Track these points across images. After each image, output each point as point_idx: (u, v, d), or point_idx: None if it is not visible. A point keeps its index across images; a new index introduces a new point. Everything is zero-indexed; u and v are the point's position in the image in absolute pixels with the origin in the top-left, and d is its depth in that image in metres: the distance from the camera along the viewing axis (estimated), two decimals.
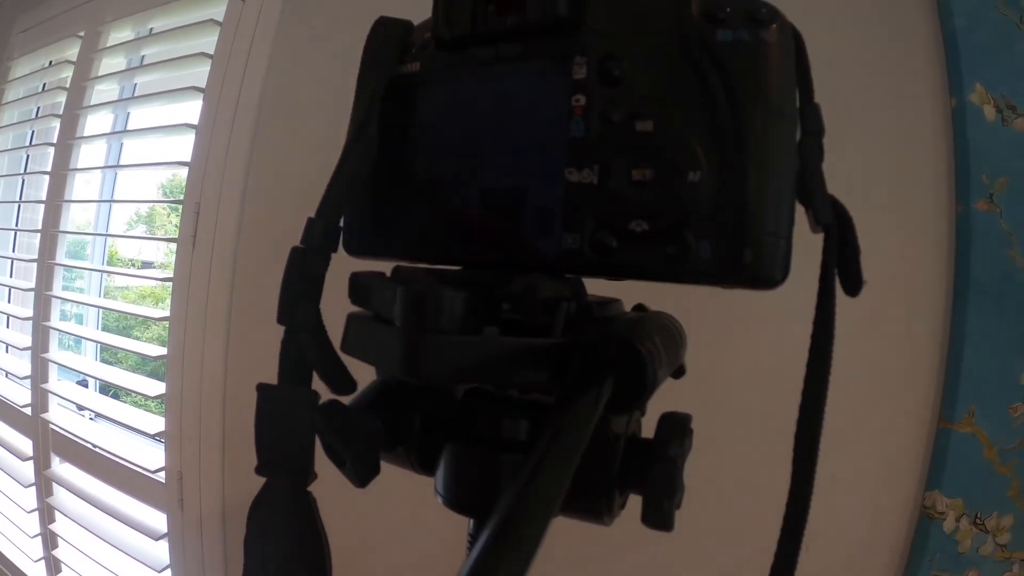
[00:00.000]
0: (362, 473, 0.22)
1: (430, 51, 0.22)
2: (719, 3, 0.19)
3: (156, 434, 1.14)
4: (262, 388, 0.21)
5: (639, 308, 0.22)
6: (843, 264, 0.20)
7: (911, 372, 0.77)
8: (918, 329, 0.77)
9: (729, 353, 0.71)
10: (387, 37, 0.23)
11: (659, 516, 0.19)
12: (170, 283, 1.13)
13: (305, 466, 0.21)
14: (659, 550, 0.75)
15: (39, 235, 1.40)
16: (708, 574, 0.78)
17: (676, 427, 0.20)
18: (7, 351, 1.58)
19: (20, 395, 1.44)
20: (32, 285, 1.39)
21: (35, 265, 1.39)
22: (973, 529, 0.80)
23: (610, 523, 0.20)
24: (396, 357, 0.19)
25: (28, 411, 1.40)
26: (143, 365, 1.90)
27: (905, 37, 0.79)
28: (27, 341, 1.40)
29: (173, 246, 1.12)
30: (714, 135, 0.18)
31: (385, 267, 0.23)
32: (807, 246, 0.20)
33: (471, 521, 0.23)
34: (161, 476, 1.15)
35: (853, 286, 0.20)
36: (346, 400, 0.23)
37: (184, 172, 1.12)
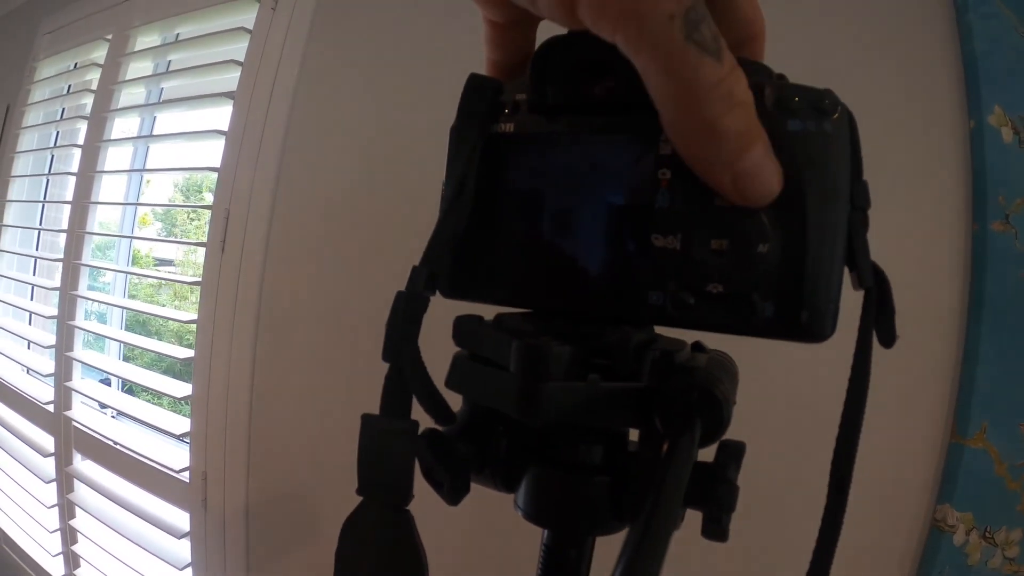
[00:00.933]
0: (457, 494, 0.24)
1: (523, 113, 0.25)
2: (790, 93, 0.21)
3: (181, 435, 1.16)
4: (366, 418, 0.23)
5: (697, 346, 0.25)
6: (880, 321, 0.23)
7: (925, 388, 0.79)
8: (933, 346, 0.78)
9: (764, 381, 0.73)
10: (482, 93, 0.25)
11: (718, 530, 0.21)
12: (196, 284, 1.15)
13: (406, 488, 0.23)
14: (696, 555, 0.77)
15: (64, 235, 1.42)
16: None
17: (733, 452, 0.23)
18: (29, 348, 1.61)
19: (43, 392, 1.46)
20: (57, 284, 1.42)
21: (60, 264, 1.42)
22: (982, 543, 0.81)
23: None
24: (512, 399, 0.22)
25: (51, 408, 1.42)
26: (159, 362, 1.92)
27: (925, 59, 0.80)
28: (51, 339, 1.43)
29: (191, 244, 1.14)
30: (781, 212, 0.21)
31: (475, 308, 0.25)
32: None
33: (544, 532, 0.26)
34: (185, 476, 1.17)
35: (888, 340, 0.23)
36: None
37: (198, 172, 1.14)
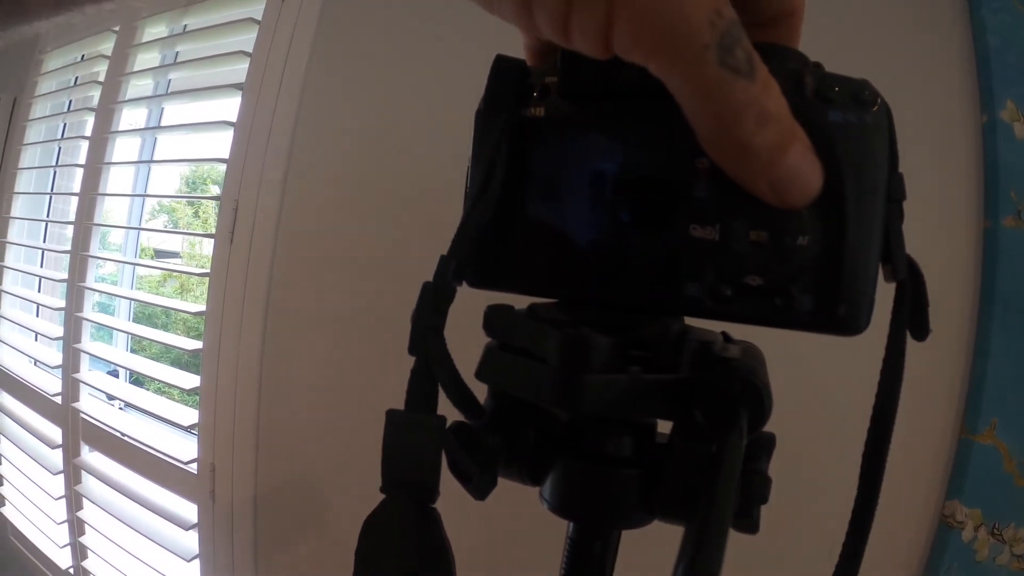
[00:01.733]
0: (485, 487, 0.24)
1: (553, 97, 0.24)
2: (829, 83, 0.21)
3: (190, 426, 1.16)
4: (392, 414, 0.23)
5: (726, 337, 0.24)
6: (914, 314, 0.23)
7: (936, 384, 0.79)
8: (943, 342, 0.78)
9: (789, 373, 0.73)
10: (509, 77, 0.25)
11: (749, 522, 0.21)
12: (204, 276, 1.15)
13: (433, 484, 0.23)
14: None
15: (71, 226, 1.42)
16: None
17: (765, 444, 0.22)
18: (37, 339, 1.61)
19: (51, 384, 1.47)
20: (65, 276, 1.42)
21: (67, 256, 1.42)
22: (991, 539, 0.81)
23: None
24: (551, 391, 0.21)
25: (59, 400, 1.43)
26: (166, 353, 1.92)
27: (938, 53, 0.80)
28: (58, 331, 1.43)
29: (197, 237, 1.14)
30: (820, 204, 0.21)
31: (504, 298, 0.25)
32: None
33: (570, 525, 0.26)
34: (193, 467, 1.17)
35: (922, 333, 0.23)
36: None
37: (204, 165, 1.14)
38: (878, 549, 0.82)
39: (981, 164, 0.80)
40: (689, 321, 0.24)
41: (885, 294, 0.23)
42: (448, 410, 0.24)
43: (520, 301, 0.25)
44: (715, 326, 0.23)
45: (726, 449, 0.19)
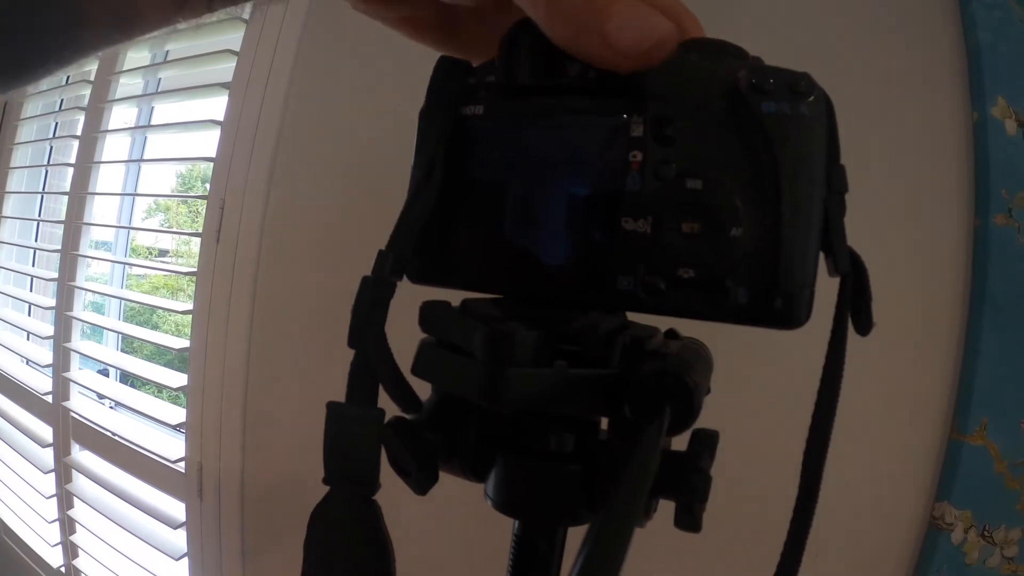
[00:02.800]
0: (425, 483, 0.24)
1: (492, 95, 0.24)
2: (764, 75, 0.21)
3: (177, 425, 1.16)
4: (332, 406, 0.23)
5: (671, 333, 0.24)
6: (857, 308, 0.22)
7: (925, 384, 0.78)
8: (933, 341, 0.78)
9: (740, 369, 0.72)
10: (450, 76, 0.25)
11: (691, 520, 0.21)
12: (185, 275, 1.15)
13: (372, 477, 0.23)
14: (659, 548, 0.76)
15: (62, 225, 1.42)
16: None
17: (707, 441, 0.22)
18: (28, 339, 1.61)
19: (41, 383, 1.47)
20: (55, 275, 1.42)
21: (58, 255, 1.42)
22: (981, 541, 0.81)
23: (644, 525, 0.23)
24: (477, 386, 0.21)
25: (49, 399, 1.43)
26: (160, 355, 1.93)
27: (928, 49, 0.79)
28: (49, 330, 1.43)
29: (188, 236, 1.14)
30: (754, 195, 0.20)
31: (443, 294, 0.25)
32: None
33: (515, 522, 0.25)
34: (181, 466, 1.17)
35: (865, 327, 0.22)
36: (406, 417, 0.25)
37: (201, 163, 1.14)
38: (867, 551, 0.82)
39: (972, 161, 0.79)
40: (633, 318, 0.24)
41: (832, 289, 0.22)
42: (390, 405, 0.24)
43: (459, 299, 0.25)
44: (655, 321, 0.23)
45: (640, 443, 0.19)
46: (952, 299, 0.78)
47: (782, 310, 0.20)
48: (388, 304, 0.23)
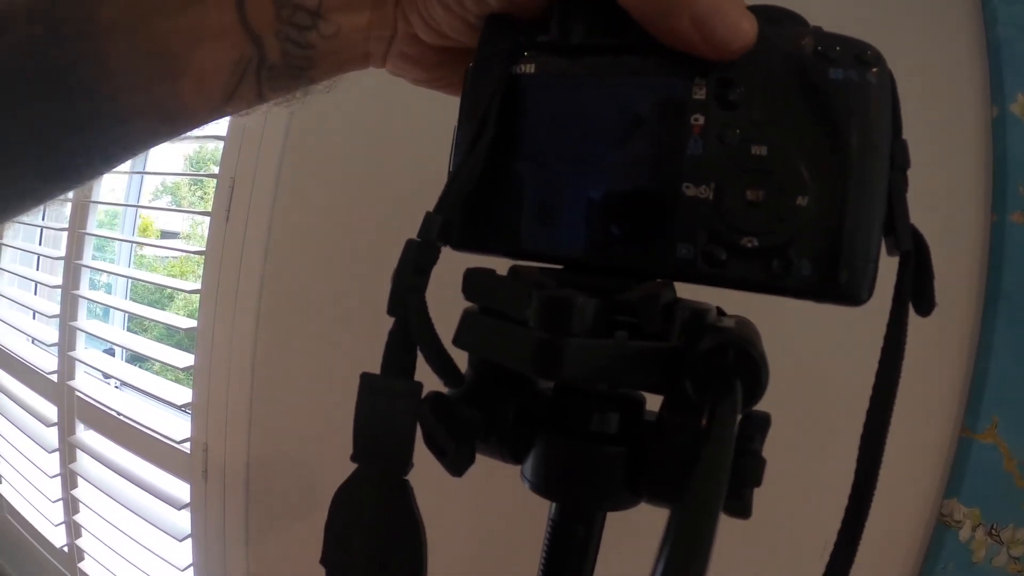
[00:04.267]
0: (461, 463, 0.23)
1: (545, 54, 0.23)
2: (830, 42, 0.20)
3: (183, 405, 1.16)
4: (366, 377, 0.22)
5: (720, 312, 0.23)
6: (918, 287, 0.21)
7: (936, 380, 0.78)
8: (945, 337, 0.77)
9: (789, 351, 0.72)
10: (501, 33, 0.24)
11: (740, 505, 0.20)
12: (196, 255, 1.14)
13: (405, 455, 0.22)
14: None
15: (69, 204, 1.42)
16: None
17: (759, 423, 0.21)
18: (35, 318, 1.61)
19: (47, 362, 1.47)
20: (62, 254, 1.42)
21: (65, 234, 1.42)
22: (988, 540, 0.80)
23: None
24: (530, 356, 0.20)
25: (54, 378, 1.43)
26: (169, 336, 1.93)
27: (948, 44, 0.78)
28: (55, 309, 1.43)
29: (200, 217, 1.13)
30: (820, 164, 0.20)
31: (488, 262, 0.24)
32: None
33: (552, 506, 0.24)
34: (186, 447, 1.17)
35: (927, 308, 0.22)
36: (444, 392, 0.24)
37: (210, 143, 1.13)
38: (873, 546, 0.81)
39: (990, 158, 0.78)
40: (681, 293, 0.23)
41: (890, 271, 0.22)
42: (427, 380, 0.23)
43: (504, 268, 0.24)
44: (707, 294, 0.22)
45: (717, 422, 0.18)
46: (966, 296, 0.78)
47: (846, 284, 0.20)
48: (430, 271, 0.22)
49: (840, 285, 0.20)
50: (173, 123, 0.26)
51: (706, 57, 0.20)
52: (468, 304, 0.23)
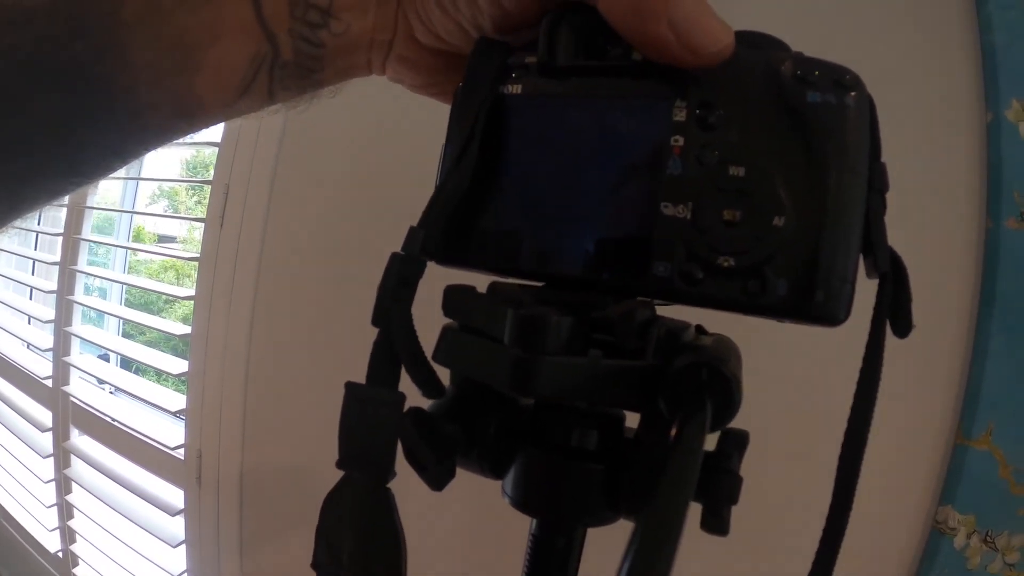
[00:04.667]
0: (442, 478, 0.23)
1: (532, 75, 0.24)
2: (809, 67, 0.21)
3: (177, 411, 1.16)
4: (351, 386, 0.22)
5: (700, 330, 0.23)
6: (896, 309, 0.22)
7: (931, 386, 0.78)
8: (940, 344, 0.77)
9: (766, 372, 0.71)
10: (489, 54, 0.24)
11: (718, 523, 0.20)
12: (188, 260, 1.14)
13: (387, 464, 0.22)
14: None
15: (65, 209, 1.42)
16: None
17: (736, 441, 0.21)
18: (29, 322, 1.61)
19: (41, 367, 1.47)
20: (57, 259, 1.42)
21: (60, 239, 1.41)
22: (983, 547, 0.80)
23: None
24: (505, 374, 0.20)
25: (49, 383, 1.42)
26: (164, 341, 1.93)
27: (943, 50, 0.78)
28: (50, 314, 1.43)
29: (197, 222, 1.13)
30: (797, 185, 0.20)
31: (469, 278, 0.24)
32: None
33: (533, 521, 0.25)
34: (180, 453, 1.17)
35: (904, 329, 0.22)
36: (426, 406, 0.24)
37: (207, 148, 1.14)
38: (868, 554, 0.81)
39: (985, 164, 0.78)
40: (665, 313, 0.23)
41: (869, 292, 0.22)
42: (412, 391, 0.23)
43: (486, 285, 0.24)
44: (686, 313, 0.23)
45: (682, 439, 0.18)
46: (961, 302, 0.78)
47: (822, 304, 0.20)
48: (416, 284, 0.22)
49: (816, 305, 0.20)
50: (188, 118, 0.26)
51: (684, 63, 0.20)
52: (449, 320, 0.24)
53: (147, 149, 0.27)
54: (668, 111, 0.21)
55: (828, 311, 0.20)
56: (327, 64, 0.27)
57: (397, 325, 0.22)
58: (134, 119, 0.25)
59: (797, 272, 0.20)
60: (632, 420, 0.24)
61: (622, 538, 0.25)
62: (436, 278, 0.25)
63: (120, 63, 0.23)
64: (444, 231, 0.24)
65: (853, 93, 0.20)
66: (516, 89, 0.24)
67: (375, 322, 0.22)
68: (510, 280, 0.24)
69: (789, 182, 0.20)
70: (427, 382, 0.23)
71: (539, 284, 0.24)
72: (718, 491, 0.20)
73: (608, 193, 0.22)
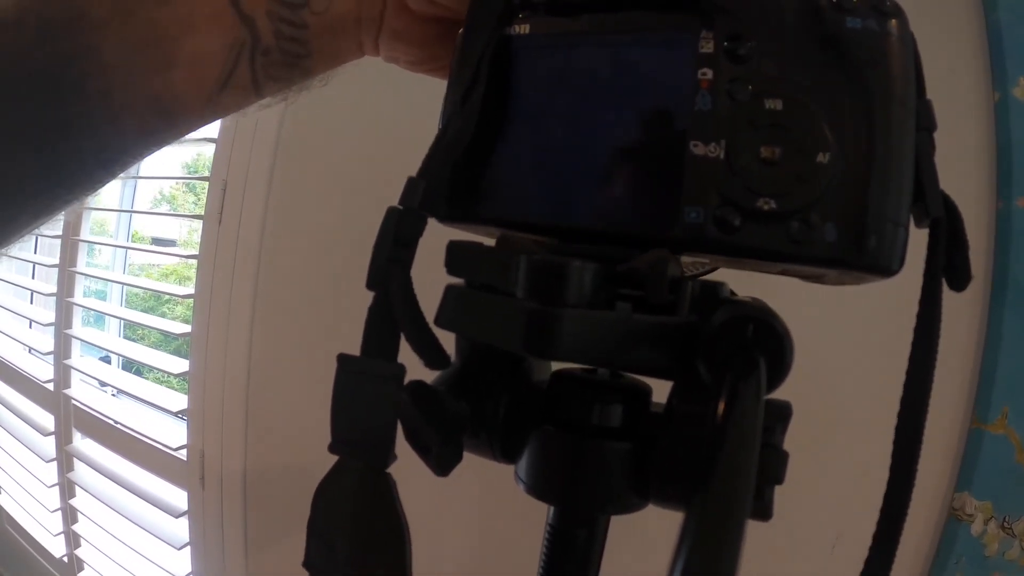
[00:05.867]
0: (447, 461, 0.21)
1: (540, 13, 0.22)
2: None
3: (179, 412, 1.15)
4: (344, 359, 0.20)
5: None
6: (952, 258, 0.20)
7: (945, 371, 0.75)
8: (953, 327, 0.75)
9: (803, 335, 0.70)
10: None
11: (761, 506, 0.18)
12: (193, 261, 1.13)
13: (386, 446, 0.20)
14: None
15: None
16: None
17: (779, 413, 0.19)
18: (31, 326, 1.60)
19: (43, 370, 1.46)
20: (56, 261, 1.41)
21: (59, 241, 1.41)
22: (1001, 533, 0.79)
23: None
24: (519, 331, 0.18)
25: (50, 386, 1.41)
26: (166, 343, 1.92)
27: (949, 29, 0.77)
28: (50, 317, 1.42)
29: (196, 225, 1.12)
30: (841, 118, 0.18)
31: (476, 238, 0.22)
32: None
33: (550, 509, 0.23)
34: (183, 454, 1.16)
35: (962, 281, 0.20)
36: (429, 380, 0.22)
37: (208, 150, 1.13)
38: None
39: (994, 143, 0.77)
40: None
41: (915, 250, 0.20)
42: (412, 365, 0.21)
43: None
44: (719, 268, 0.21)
45: (740, 405, 0.15)
46: (973, 283, 0.76)
47: (875, 251, 0.18)
48: (416, 242, 0.20)
49: (869, 252, 0.18)
50: (168, 118, 0.25)
51: None
52: (453, 280, 0.22)
53: (131, 157, 0.26)
54: (694, 43, 0.19)
55: (882, 259, 0.18)
56: (314, 48, 0.26)
57: (396, 288, 0.20)
58: (111, 123, 0.24)
59: (846, 214, 0.18)
60: (659, 393, 0.22)
61: (650, 527, 0.23)
62: (436, 245, 0.22)
63: (92, 66, 0.23)
64: (448, 183, 0.22)
65: (895, 20, 0.18)
66: (523, 29, 0.22)
67: (370, 285, 0.20)
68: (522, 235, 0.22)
69: (832, 116, 0.18)
70: (429, 350, 0.20)
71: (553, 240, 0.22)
72: (762, 469, 0.17)
73: (629, 134, 0.20)
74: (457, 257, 0.21)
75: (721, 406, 0.16)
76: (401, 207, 0.20)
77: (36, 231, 0.27)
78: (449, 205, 0.23)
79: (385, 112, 0.98)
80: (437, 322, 0.21)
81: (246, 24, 0.24)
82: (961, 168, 0.76)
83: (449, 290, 0.21)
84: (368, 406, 0.20)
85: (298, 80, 0.27)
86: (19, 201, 0.24)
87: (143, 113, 0.24)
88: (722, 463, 0.14)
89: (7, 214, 0.25)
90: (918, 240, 0.20)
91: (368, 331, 0.21)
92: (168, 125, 0.25)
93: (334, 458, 0.21)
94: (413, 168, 0.21)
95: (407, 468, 0.22)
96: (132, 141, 0.25)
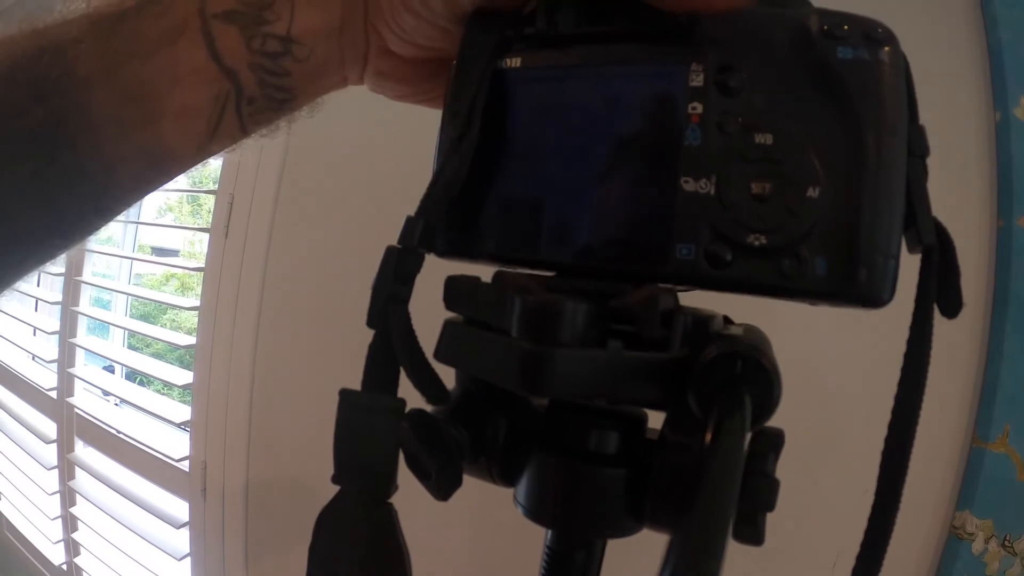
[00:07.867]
0: (447, 486, 0.21)
1: (532, 46, 0.22)
2: (837, 20, 0.19)
3: (181, 423, 1.15)
4: (345, 394, 0.21)
5: (725, 319, 0.22)
6: (944, 286, 0.20)
7: (946, 389, 0.76)
8: (954, 345, 0.76)
9: (790, 362, 0.70)
10: (485, 27, 0.23)
11: (752, 531, 0.18)
12: (192, 271, 1.14)
13: (387, 477, 0.21)
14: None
15: None
16: None
17: (771, 441, 0.19)
18: (35, 334, 1.61)
19: (46, 378, 1.46)
20: (62, 270, 1.41)
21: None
22: (1002, 551, 0.78)
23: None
24: (514, 371, 0.18)
25: (54, 395, 1.42)
26: (169, 352, 1.92)
27: (950, 48, 0.78)
28: (55, 325, 1.42)
29: (198, 236, 1.13)
30: (831, 151, 0.18)
31: (474, 270, 0.23)
32: None
33: (548, 532, 0.23)
34: (185, 465, 1.16)
35: (954, 308, 0.20)
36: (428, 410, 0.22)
37: (214, 163, 1.13)
38: (885, 559, 0.80)
39: (994, 162, 0.77)
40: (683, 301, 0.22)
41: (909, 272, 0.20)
42: (411, 396, 0.22)
43: (491, 277, 0.23)
44: (712, 301, 0.21)
45: (724, 436, 0.16)
46: (974, 302, 0.77)
47: (866, 284, 0.18)
48: (414, 278, 0.21)
49: (859, 285, 0.18)
50: (160, 167, 0.25)
51: (711, 7, 0.19)
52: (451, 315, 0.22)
53: (126, 204, 0.26)
54: (684, 76, 0.20)
55: (872, 291, 0.18)
56: (298, 92, 0.26)
57: (395, 325, 0.21)
58: (106, 176, 0.24)
59: (837, 248, 0.18)
60: (655, 420, 0.22)
61: (645, 551, 0.24)
62: (433, 275, 0.23)
63: (82, 122, 0.23)
64: (444, 220, 0.22)
65: (887, 47, 0.18)
66: (515, 62, 0.22)
67: (370, 323, 0.21)
68: (518, 271, 0.22)
69: (822, 148, 0.18)
70: (429, 386, 0.21)
71: (549, 274, 0.23)
72: (753, 496, 0.18)
73: (621, 170, 0.21)
74: (454, 294, 0.21)
75: (708, 437, 0.16)
76: (400, 246, 0.21)
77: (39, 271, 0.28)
78: (446, 241, 0.23)
79: (392, 126, 0.98)
80: (437, 356, 0.21)
81: (229, 77, 0.24)
82: (962, 187, 0.76)
83: (447, 326, 0.21)
84: (369, 439, 0.21)
85: (285, 116, 0.28)
86: (27, 245, 0.25)
87: (136, 165, 0.25)
88: (705, 493, 0.15)
89: (15, 259, 0.25)
90: (917, 260, 0.21)
91: (369, 366, 0.21)
92: (160, 174, 0.26)
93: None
94: (418, 183, 0.22)
95: (407, 491, 0.22)
96: (127, 191, 0.26)
